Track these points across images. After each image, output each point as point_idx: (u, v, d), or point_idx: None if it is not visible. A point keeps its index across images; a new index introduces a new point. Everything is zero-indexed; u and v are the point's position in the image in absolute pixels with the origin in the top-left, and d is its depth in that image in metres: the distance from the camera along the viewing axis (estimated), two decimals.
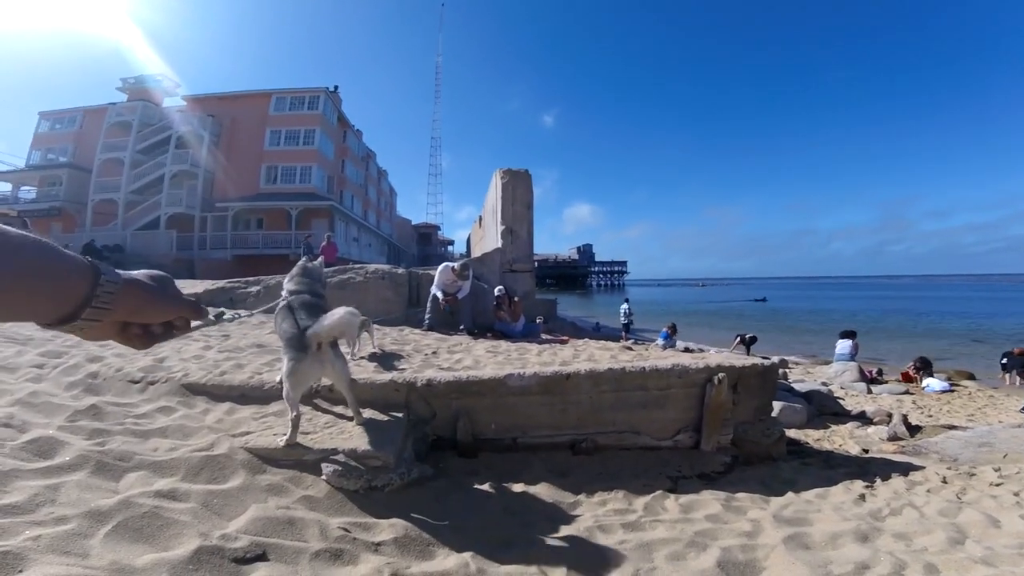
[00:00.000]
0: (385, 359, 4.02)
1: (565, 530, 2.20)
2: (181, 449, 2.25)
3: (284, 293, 2.71)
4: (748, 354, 11.27)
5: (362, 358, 3.98)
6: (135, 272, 0.63)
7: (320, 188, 27.92)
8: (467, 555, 1.84)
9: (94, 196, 25.74)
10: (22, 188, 28.42)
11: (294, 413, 2.37)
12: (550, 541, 2.07)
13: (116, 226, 25.04)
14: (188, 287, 8.10)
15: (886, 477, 3.35)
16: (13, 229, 0.50)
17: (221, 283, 8.75)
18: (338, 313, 2.31)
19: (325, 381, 2.86)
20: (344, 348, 3.77)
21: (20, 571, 1.25)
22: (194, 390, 3.04)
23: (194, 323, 0.71)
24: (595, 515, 2.41)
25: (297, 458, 2.34)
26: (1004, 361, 10.60)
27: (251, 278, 8.65)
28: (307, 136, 27.88)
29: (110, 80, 29.85)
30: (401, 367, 3.70)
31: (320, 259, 3.05)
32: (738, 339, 13.44)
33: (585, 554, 1.98)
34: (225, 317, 1.09)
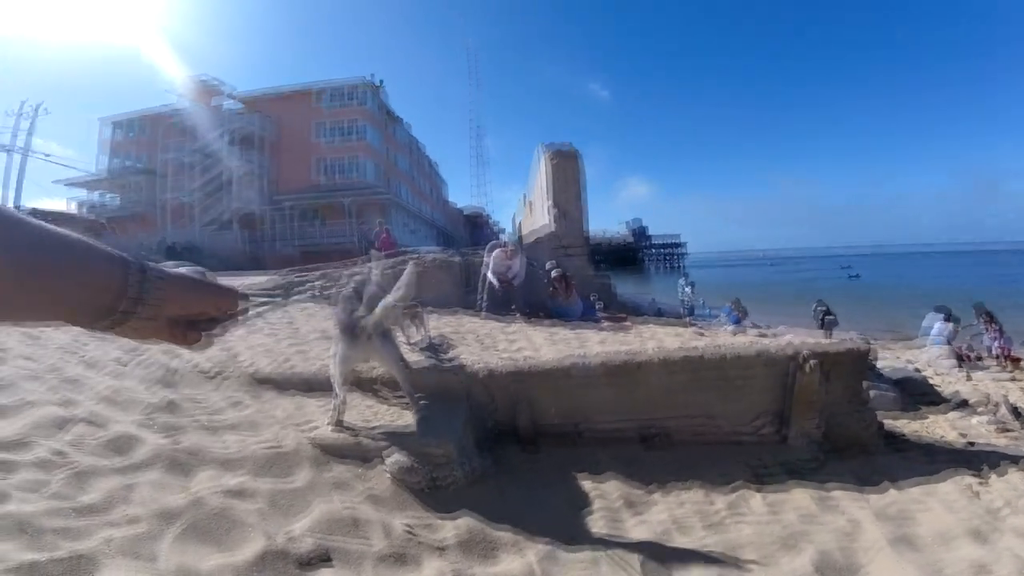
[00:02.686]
0: (441, 346, 3.95)
1: (637, 528, 2.05)
2: (250, 443, 2.27)
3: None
4: (829, 335, 10.49)
5: (415, 344, 3.94)
6: (176, 268, 0.64)
7: (373, 179, 28.47)
8: (531, 557, 1.77)
9: (166, 197, 26.94)
10: (95, 193, 30.10)
11: (340, 397, 2.42)
12: (620, 540, 1.92)
13: (192, 226, 26.31)
14: (253, 279, 8.48)
15: (1000, 470, 2.94)
16: (43, 223, 0.47)
17: (283, 272, 9.10)
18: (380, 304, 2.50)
19: (380, 370, 2.90)
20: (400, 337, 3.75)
21: (91, 575, 1.25)
22: (263, 381, 3.08)
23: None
24: (670, 511, 2.24)
25: (361, 451, 2.31)
26: None
27: (312, 267, 8.96)
28: (355, 129, 28.39)
29: (145, 84, 31.14)
30: (459, 353, 3.63)
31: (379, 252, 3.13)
32: (818, 317, 12.59)
33: (663, 554, 1.83)
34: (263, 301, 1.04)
